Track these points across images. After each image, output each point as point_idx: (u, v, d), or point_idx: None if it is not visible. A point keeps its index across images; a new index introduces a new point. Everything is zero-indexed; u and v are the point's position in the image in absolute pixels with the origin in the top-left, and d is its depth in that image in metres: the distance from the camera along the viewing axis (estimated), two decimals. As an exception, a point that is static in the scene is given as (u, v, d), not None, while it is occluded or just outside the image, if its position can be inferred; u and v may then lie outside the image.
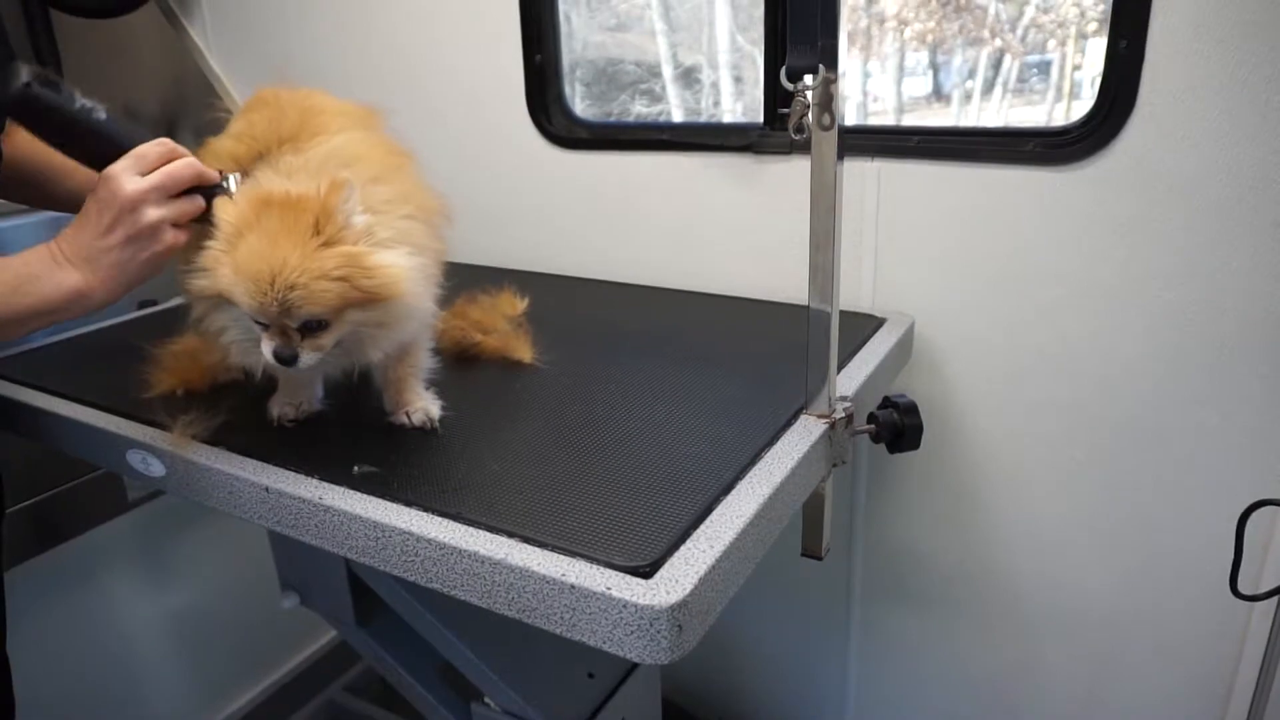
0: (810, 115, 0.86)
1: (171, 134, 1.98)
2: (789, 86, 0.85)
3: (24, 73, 0.84)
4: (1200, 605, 1.30)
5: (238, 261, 0.81)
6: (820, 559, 1.05)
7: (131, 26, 1.89)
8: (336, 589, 1.25)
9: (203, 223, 0.88)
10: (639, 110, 2.35)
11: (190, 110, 1.98)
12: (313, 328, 0.83)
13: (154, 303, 1.55)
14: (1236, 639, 1.29)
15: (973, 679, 1.56)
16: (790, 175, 1.40)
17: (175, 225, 0.86)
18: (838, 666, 1.70)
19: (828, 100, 0.86)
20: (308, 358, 0.84)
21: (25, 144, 1.15)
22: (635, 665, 1.29)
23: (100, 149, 0.87)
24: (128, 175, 0.83)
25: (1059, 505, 1.37)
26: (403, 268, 0.85)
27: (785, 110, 0.87)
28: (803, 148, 1.34)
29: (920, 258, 1.35)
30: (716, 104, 2.60)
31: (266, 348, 0.84)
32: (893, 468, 1.48)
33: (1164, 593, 1.33)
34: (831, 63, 0.84)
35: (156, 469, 0.99)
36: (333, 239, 0.81)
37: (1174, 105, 1.12)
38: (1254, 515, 0.99)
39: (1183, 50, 1.09)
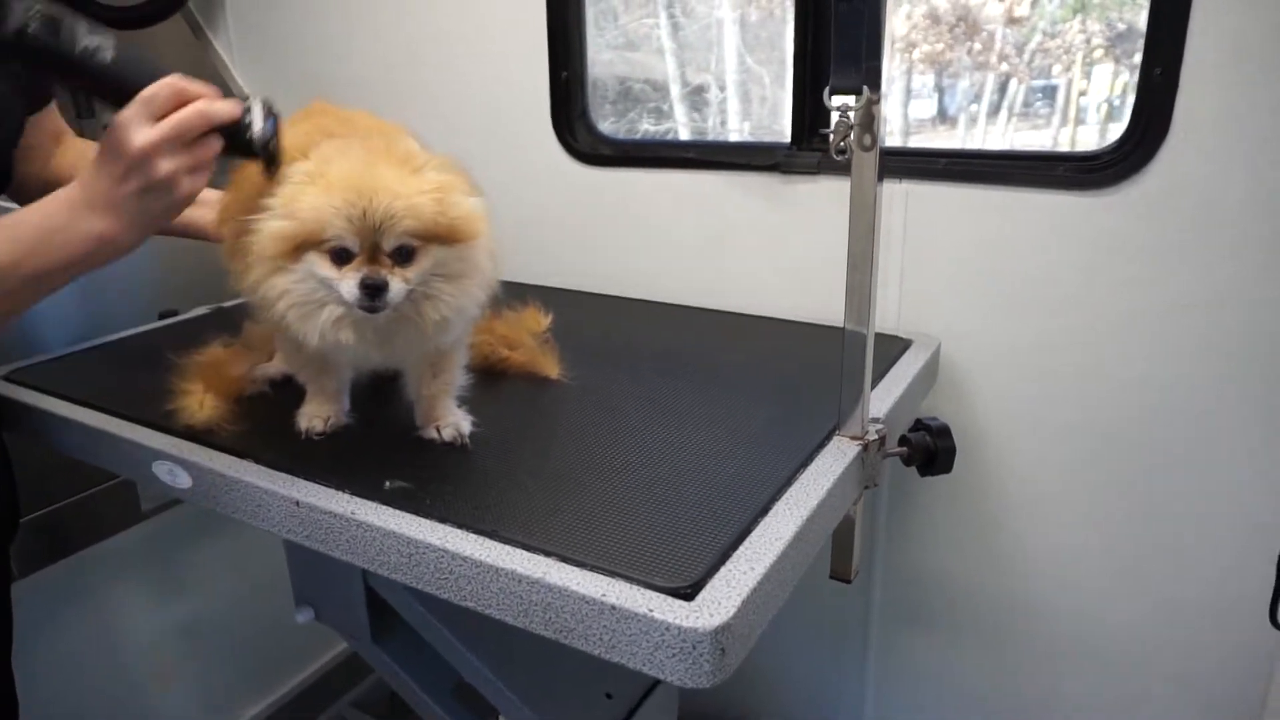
0: (852, 135, 0.86)
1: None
2: (830, 106, 0.85)
3: (19, 11, 0.78)
4: (1228, 638, 1.28)
5: (329, 185, 0.80)
6: (849, 582, 1.04)
7: (157, 38, 1.89)
8: (353, 604, 1.24)
9: (228, 156, 0.86)
10: (646, 128, 2.35)
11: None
12: (403, 255, 0.82)
13: (175, 312, 1.55)
14: (1264, 674, 1.27)
15: (992, 708, 1.54)
16: (817, 195, 1.39)
17: (193, 171, 0.82)
18: (855, 690, 1.67)
19: (869, 121, 0.86)
20: (397, 287, 0.81)
21: (73, 162, 1.15)
22: (654, 686, 1.27)
23: (111, 90, 0.82)
24: (136, 125, 0.79)
25: (1085, 532, 1.35)
26: (481, 210, 0.85)
27: (827, 130, 0.87)
28: (831, 167, 1.36)
29: (946, 280, 1.34)
30: (724, 123, 2.60)
31: (350, 282, 0.81)
32: (916, 490, 1.46)
33: (1191, 621, 1.32)
34: (876, 84, 0.84)
35: (183, 480, 0.98)
36: (423, 169, 0.82)
37: (1209, 131, 1.12)
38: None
39: (1218, 76, 1.09)
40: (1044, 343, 1.30)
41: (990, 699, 1.54)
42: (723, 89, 2.59)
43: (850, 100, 0.84)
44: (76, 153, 1.18)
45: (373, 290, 0.81)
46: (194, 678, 1.80)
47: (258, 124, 0.85)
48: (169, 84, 0.80)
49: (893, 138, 2.66)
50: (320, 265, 0.82)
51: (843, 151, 0.86)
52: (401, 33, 1.71)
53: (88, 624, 1.58)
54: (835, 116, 0.86)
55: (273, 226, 0.82)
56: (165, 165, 0.80)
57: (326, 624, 1.31)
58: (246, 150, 0.86)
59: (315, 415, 1.01)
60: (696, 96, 2.58)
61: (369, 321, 0.86)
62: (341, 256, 0.82)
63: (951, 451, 1.01)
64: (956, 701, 1.58)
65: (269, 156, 0.86)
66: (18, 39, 0.79)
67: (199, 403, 1.04)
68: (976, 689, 1.55)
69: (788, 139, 1.43)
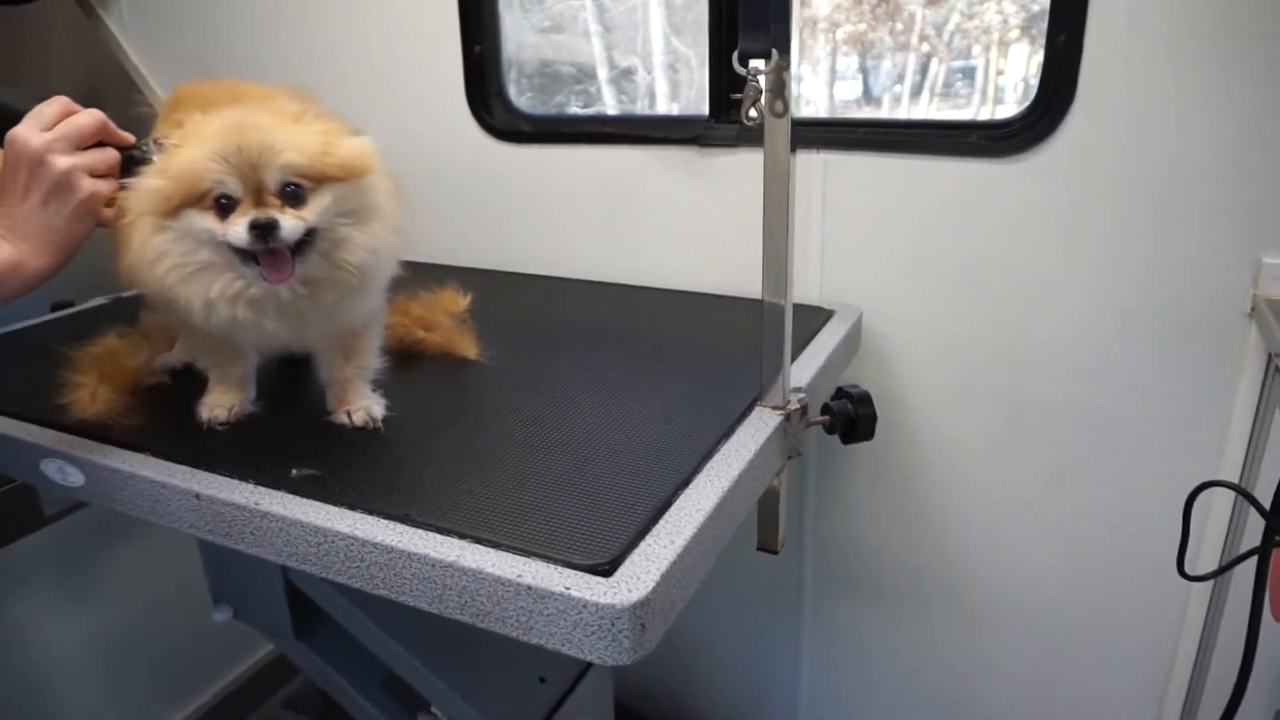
0: (763, 101, 0.85)
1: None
2: (741, 70, 0.84)
3: None
4: (1143, 588, 1.33)
5: (205, 136, 0.78)
6: (776, 553, 1.04)
7: (43, 15, 1.78)
8: (273, 600, 1.20)
9: (124, 176, 0.83)
10: (574, 111, 2.33)
11: (108, 105, 1.85)
12: (292, 197, 0.79)
13: (70, 303, 1.46)
14: (1176, 619, 1.32)
15: (924, 669, 1.57)
16: (736, 168, 1.39)
17: (94, 175, 0.80)
18: (790, 661, 1.69)
19: (780, 86, 0.85)
20: (291, 224, 0.78)
21: None
22: (587, 669, 1.26)
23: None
24: (29, 131, 0.78)
25: (1007, 494, 1.38)
26: (371, 147, 0.83)
27: (738, 96, 0.85)
28: (749, 140, 1.36)
29: (866, 249, 1.35)
30: (651, 105, 2.59)
31: (238, 227, 0.77)
32: (842, 461, 1.48)
33: (1108, 577, 1.36)
34: (785, 47, 0.83)
35: (75, 478, 0.93)
36: (303, 117, 0.81)
37: (1113, 97, 1.14)
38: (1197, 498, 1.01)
39: (1121, 42, 1.11)
40: (962, 309, 1.32)
41: (922, 662, 1.58)
42: (650, 71, 2.57)
43: (761, 65, 0.83)
44: None
45: (263, 229, 0.77)
46: (111, 687, 1.73)
47: (153, 149, 0.84)
48: (57, 99, 0.81)
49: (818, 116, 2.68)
50: (203, 220, 0.79)
51: (753, 119, 0.85)
52: (306, 8, 1.64)
53: (-11, 637, 1.50)
54: (747, 82, 0.85)
55: (146, 183, 0.80)
56: (62, 161, 0.78)
57: (246, 622, 1.26)
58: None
59: (218, 404, 0.97)
60: (624, 79, 2.56)
61: (271, 295, 0.82)
62: (226, 207, 0.78)
63: (873, 418, 1.01)
64: (890, 668, 1.61)
65: None
66: None
67: (91, 395, 0.98)
68: (909, 655, 1.58)
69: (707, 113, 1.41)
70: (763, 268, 0.92)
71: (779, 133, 0.87)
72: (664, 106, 2.59)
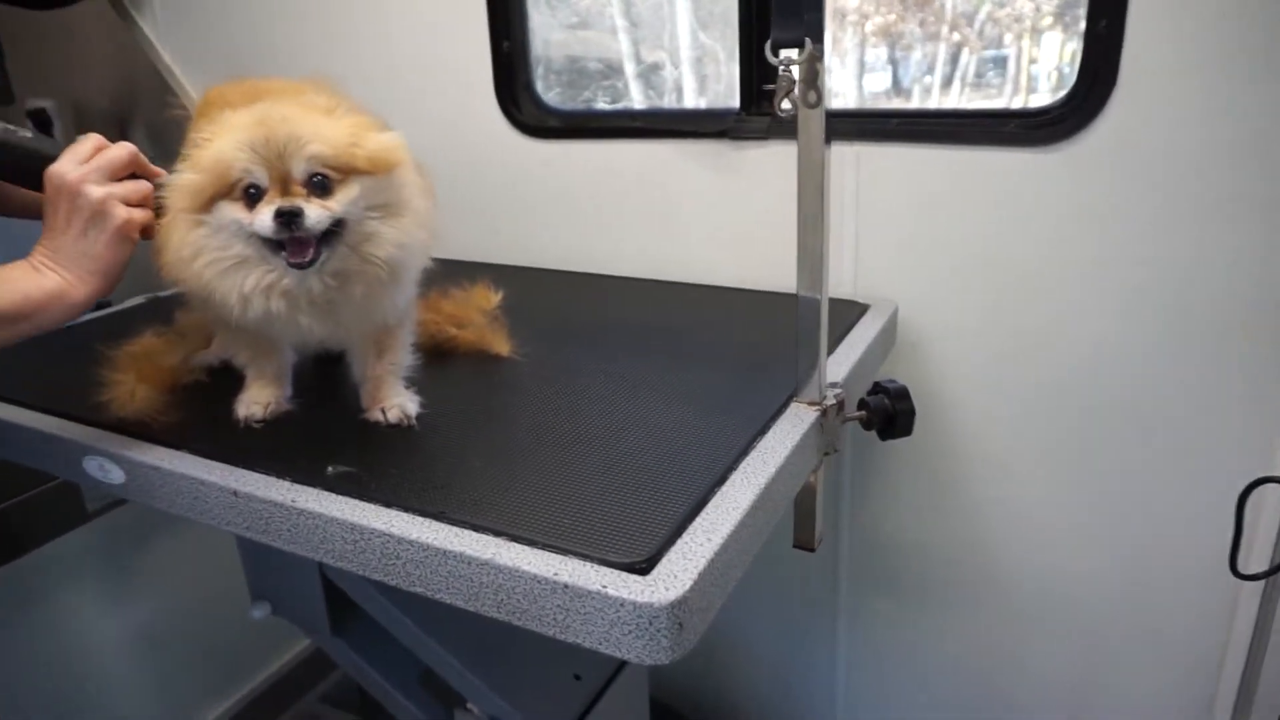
0: (796, 92, 0.83)
1: (124, 131, 1.92)
2: (773, 60, 0.82)
3: None
4: (1190, 586, 1.30)
5: (234, 128, 0.79)
6: (813, 550, 1.03)
7: (78, 18, 1.81)
8: (310, 596, 1.21)
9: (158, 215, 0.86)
10: (602, 107, 2.32)
11: (142, 106, 1.90)
12: (319, 187, 0.79)
13: (109, 303, 1.49)
14: (1225, 619, 1.29)
15: (964, 666, 1.55)
16: (768, 160, 1.37)
17: (129, 204, 0.84)
18: (826, 657, 1.68)
19: (813, 76, 0.83)
20: (315, 213, 0.78)
21: None
22: (622, 665, 1.26)
23: (34, 165, 0.86)
24: (66, 166, 0.83)
25: (1047, 489, 1.36)
26: (401, 141, 0.84)
27: (770, 87, 0.84)
28: (781, 132, 1.34)
29: (901, 242, 1.33)
30: (679, 100, 2.58)
31: (264, 216, 0.78)
32: (878, 455, 1.46)
33: (1154, 575, 1.33)
34: (818, 35, 0.81)
35: (116, 475, 0.94)
36: (335, 111, 0.82)
37: (1156, 83, 1.11)
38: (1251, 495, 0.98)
39: (1164, 27, 1.08)
40: (1000, 301, 1.29)
41: (961, 661, 1.55)
42: (677, 66, 2.56)
43: (794, 55, 0.82)
44: None
45: (288, 217, 0.77)
46: (152, 681, 1.75)
47: None
48: (90, 136, 0.86)
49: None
50: (233, 211, 0.80)
51: (787, 110, 0.83)
52: (336, 8, 1.65)
53: (35, 631, 1.53)
54: (780, 72, 0.83)
55: (180, 179, 0.81)
56: (96, 190, 0.82)
57: (284, 618, 1.27)
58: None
59: (255, 401, 0.97)
60: (651, 74, 2.55)
61: (303, 287, 0.82)
62: (254, 197, 0.79)
63: (910, 413, 0.99)
64: (928, 665, 1.59)
65: None
66: None
67: (131, 394, 0.99)
68: (947, 652, 1.56)
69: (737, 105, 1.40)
70: (797, 262, 0.91)
71: (813, 124, 0.86)
72: (691, 101, 2.58)
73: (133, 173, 0.86)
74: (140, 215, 0.85)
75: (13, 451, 1.05)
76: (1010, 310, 1.29)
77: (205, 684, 1.87)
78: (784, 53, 0.82)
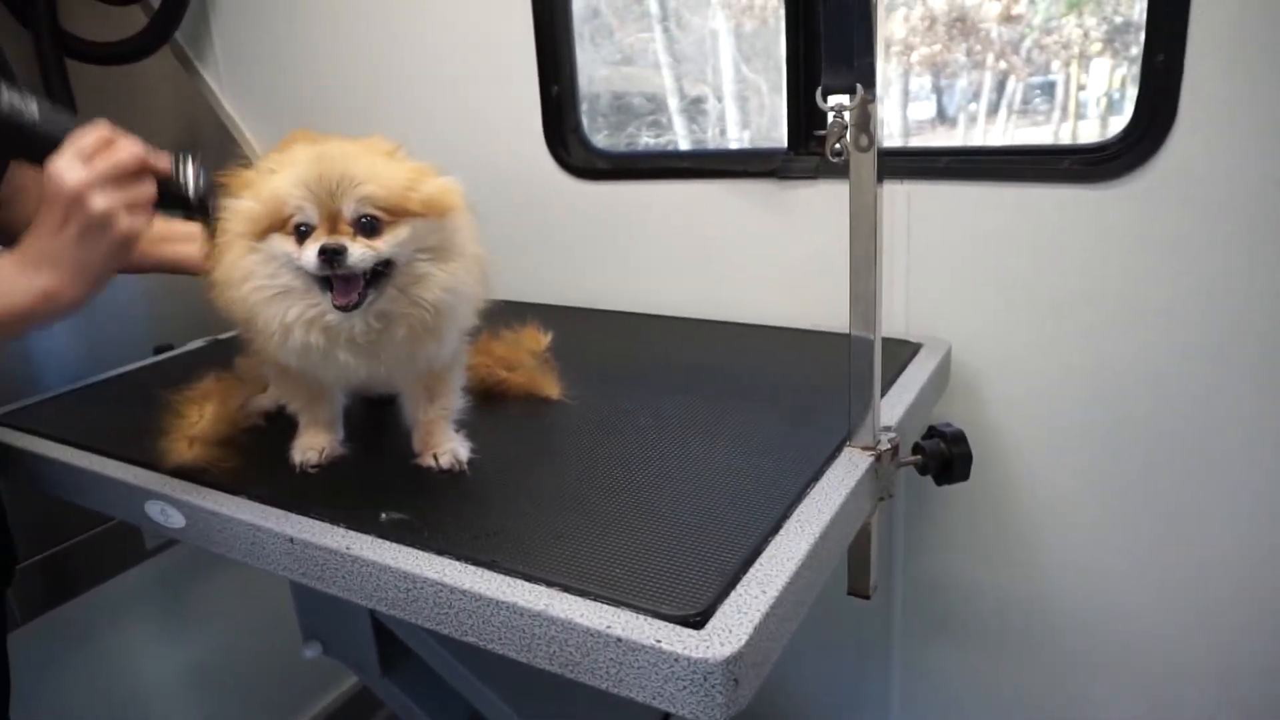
0: (848, 136, 0.83)
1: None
2: (824, 106, 0.82)
3: None
4: (1259, 629, 1.24)
5: (296, 161, 0.81)
6: (868, 598, 1.01)
7: (146, 72, 1.88)
8: (360, 637, 1.21)
9: (161, 209, 0.84)
10: (646, 141, 2.35)
11: (204, 154, 1.96)
12: (367, 228, 0.80)
13: (170, 347, 1.53)
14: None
15: (1023, 713, 1.50)
16: (816, 200, 1.37)
17: (131, 211, 0.80)
18: (879, 707, 1.63)
19: (865, 120, 0.83)
20: (359, 252, 0.78)
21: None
22: (669, 715, 1.24)
23: (39, 146, 0.81)
24: (68, 166, 0.78)
25: (1108, 533, 1.31)
26: (458, 187, 0.85)
27: (821, 133, 0.84)
28: (830, 172, 1.33)
29: (953, 281, 1.31)
30: (723, 133, 2.59)
31: (310, 251, 0.79)
32: (932, 499, 1.43)
33: (1221, 617, 1.27)
34: (869, 82, 0.81)
35: (176, 520, 0.96)
36: (395, 153, 0.83)
37: (1216, 117, 1.08)
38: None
39: (1223, 60, 1.06)
40: (1056, 341, 1.26)
41: (1019, 709, 1.50)
42: (720, 100, 2.58)
43: (845, 100, 0.82)
44: None
45: (331, 255, 0.78)
46: (202, 716, 1.77)
47: (190, 175, 0.86)
48: (97, 128, 0.80)
49: (892, 140, 2.64)
50: (284, 244, 0.81)
51: (839, 154, 0.83)
52: (390, 55, 1.70)
53: (93, 666, 1.55)
54: (830, 117, 0.83)
55: (237, 205, 0.83)
56: (100, 201, 0.78)
57: (335, 658, 1.28)
58: (182, 203, 0.86)
59: (310, 447, 0.98)
60: (695, 108, 2.57)
61: (345, 324, 0.83)
62: (304, 233, 0.80)
63: (968, 458, 0.97)
64: (984, 712, 1.54)
65: (204, 211, 0.86)
66: None
67: (190, 439, 1.01)
68: (1005, 699, 1.51)
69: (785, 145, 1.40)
70: (850, 303, 0.90)
71: (865, 167, 0.85)
72: (735, 134, 2.59)
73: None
74: (142, 223, 0.81)
75: (79, 494, 1.08)
76: (1067, 349, 1.26)
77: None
78: (835, 98, 0.82)
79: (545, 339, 1.28)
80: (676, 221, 1.50)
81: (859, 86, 0.80)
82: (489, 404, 1.12)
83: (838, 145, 0.83)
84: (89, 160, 0.78)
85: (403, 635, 1.15)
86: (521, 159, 1.60)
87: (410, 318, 0.85)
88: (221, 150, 1.91)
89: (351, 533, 0.84)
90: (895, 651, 1.57)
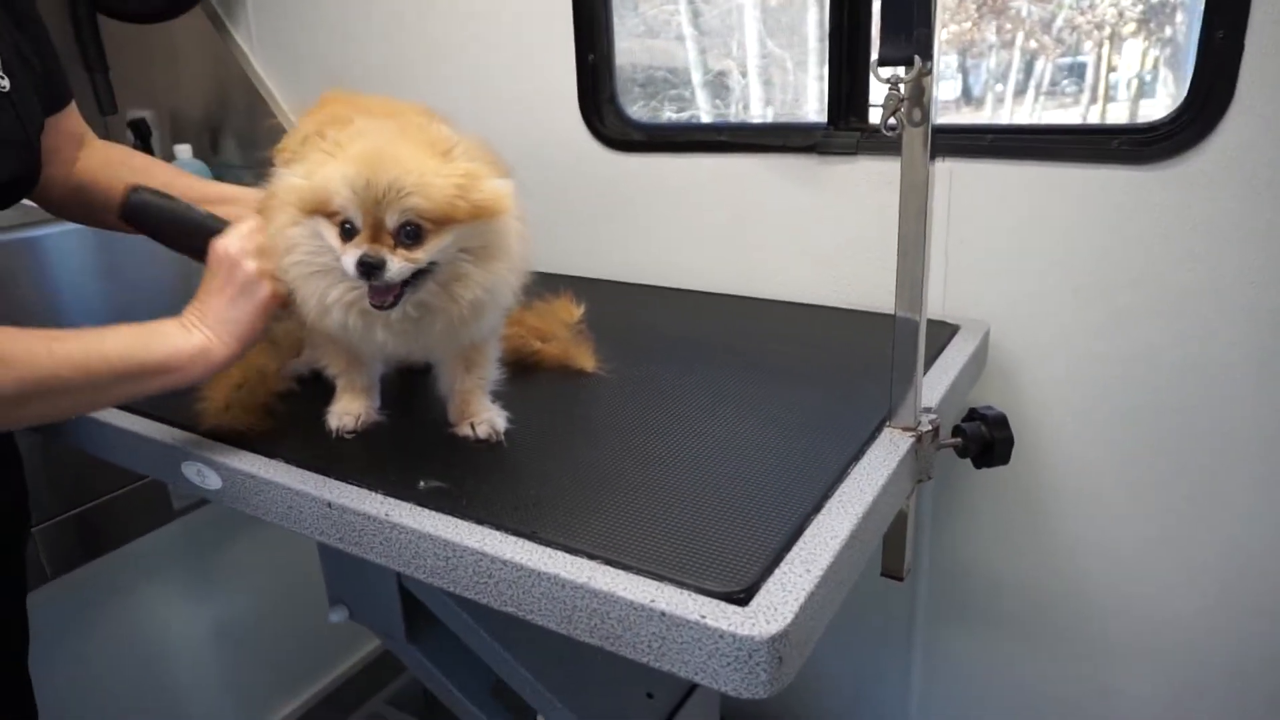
0: (902, 110, 0.81)
1: (215, 139, 1.97)
2: (879, 79, 0.80)
3: (144, 191, 1.02)
4: (1296, 630, 1.23)
5: (349, 155, 0.80)
6: (901, 580, 1.00)
7: (177, 32, 1.87)
8: (387, 603, 1.22)
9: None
10: (668, 116, 2.32)
11: (233, 115, 1.96)
12: (409, 236, 0.79)
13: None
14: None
15: (1045, 705, 1.49)
16: (855, 176, 1.34)
17: (273, 279, 0.91)
18: (899, 689, 1.63)
19: (920, 94, 0.81)
20: (397, 266, 0.79)
21: (97, 167, 1.14)
22: (695, 687, 1.24)
23: (202, 237, 0.96)
24: (231, 240, 0.92)
25: (1142, 522, 1.30)
26: (509, 190, 0.84)
27: (876, 105, 0.82)
28: (870, 148, 1.31)
29: (994, 261, 1.29)
30: (745, 108, 2.56)
31: (350, 257, 0.79)
32: (963, 483, 1.41)
33: (1254, 613, 1.26)
34: (927, 53, 0.79)
35: (212, 481, 0.96)
36: (451, 152, 0.81)
37: (1277, 98, 1.05)
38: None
39: (1288, 39, 1.03)
40: (1100, 325, 1.24)
41: (1042, 696, 1.49)
42: (744, 75, 2.54)
43: (901, 72, 0.80)
44: (102, 157, 1.17)
45: (368, 268, 0.78)
46: (226, 676, 1.79)
47: None
48: (253, 219, 0.95)
49: (923, 117, 2.59)
50: (328, 232, 0.81)
51: (893, 128, 0.81)
52: (423, 20, 1.68)
53: (119, 623, 1.57)
54: (886, 90, 0.81)
55: (290, 179, 0.84)
56: (251, 265, 0.90)
57: (360, 623, 1.29)
58: None
59: (346, 413, 0.98)
60: (718, 83, 2.54)
61: (381, 313, 0.83)
62: (349, 232, 0.80)
63: (1009, 442, 0.96)
64: (1005, 699, 1.53)
65: None
66: (143, 205, 1.01)
67: (226, 401, 1.01)
68: (1027, 686, 1.50)
69: (813, 120, 1.37)
70: (896, 282, 0.88)
71: (917, 142, 0.83)
72: (758, 110, 2.55)
73: None
74: (283, 290, 0.91)
75: (115, 453, 1.08)
76: (1110, 333, 1.24)
77: (277, 682, 1.90)
78: (890, 70, 0.80)
79: (578, 310, 1.27)
80: (712, 195, 1.48)
81: (916, 58, 0.78)
82: (523, 374, 1.12)
83: (892, 119, 0.81)
84: (244, 236, 0.93)
85: (429, 602, 1.15)
86: (555, 129, 1.58)
87: (448, 312, 0.85)
88: (251, 111, 1.90)
89: (390, 499, 0.84)
90: (917, 634, 1.57)
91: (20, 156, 0.99)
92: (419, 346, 0.92)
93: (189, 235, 1.01)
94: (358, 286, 0.83)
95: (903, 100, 0.80)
